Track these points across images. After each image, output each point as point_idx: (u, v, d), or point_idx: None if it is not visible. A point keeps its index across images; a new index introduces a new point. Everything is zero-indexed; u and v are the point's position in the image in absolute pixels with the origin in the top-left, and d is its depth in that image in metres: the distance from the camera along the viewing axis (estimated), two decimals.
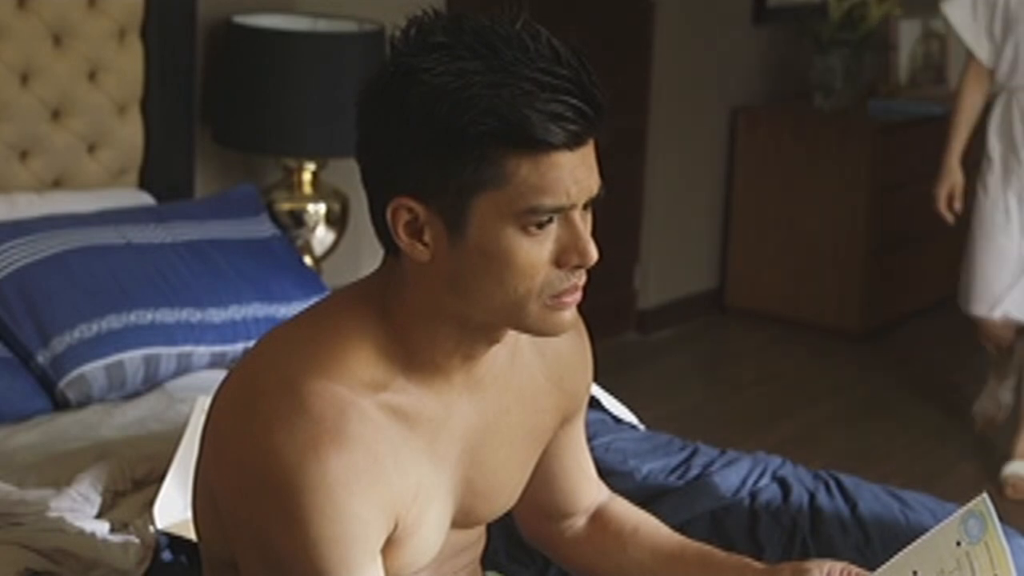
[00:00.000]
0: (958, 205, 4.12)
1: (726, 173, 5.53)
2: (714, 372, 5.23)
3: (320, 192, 3.60)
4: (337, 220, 3.60)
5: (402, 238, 1.43)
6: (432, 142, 1.38)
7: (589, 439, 1.85)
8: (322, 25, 3.60)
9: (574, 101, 1.38)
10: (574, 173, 1.40)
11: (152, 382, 2.78)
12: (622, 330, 5.24)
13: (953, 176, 4.09)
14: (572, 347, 1.69)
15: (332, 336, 1.47)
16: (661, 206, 5.27)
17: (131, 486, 2.26)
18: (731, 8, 5.38)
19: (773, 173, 5.43)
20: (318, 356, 1.45)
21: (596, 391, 2.85)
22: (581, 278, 1.45)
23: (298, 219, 3.58)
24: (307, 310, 1.56)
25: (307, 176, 3.59)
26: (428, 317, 1.47)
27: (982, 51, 3.99)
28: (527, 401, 1.63)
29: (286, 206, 3.58)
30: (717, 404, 4.76)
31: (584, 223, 1.44)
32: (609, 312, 5.10)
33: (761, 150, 5.45)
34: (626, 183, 5.13)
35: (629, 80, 5.04)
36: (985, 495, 1.54)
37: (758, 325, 5.46)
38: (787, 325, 5.41)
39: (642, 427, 2.85)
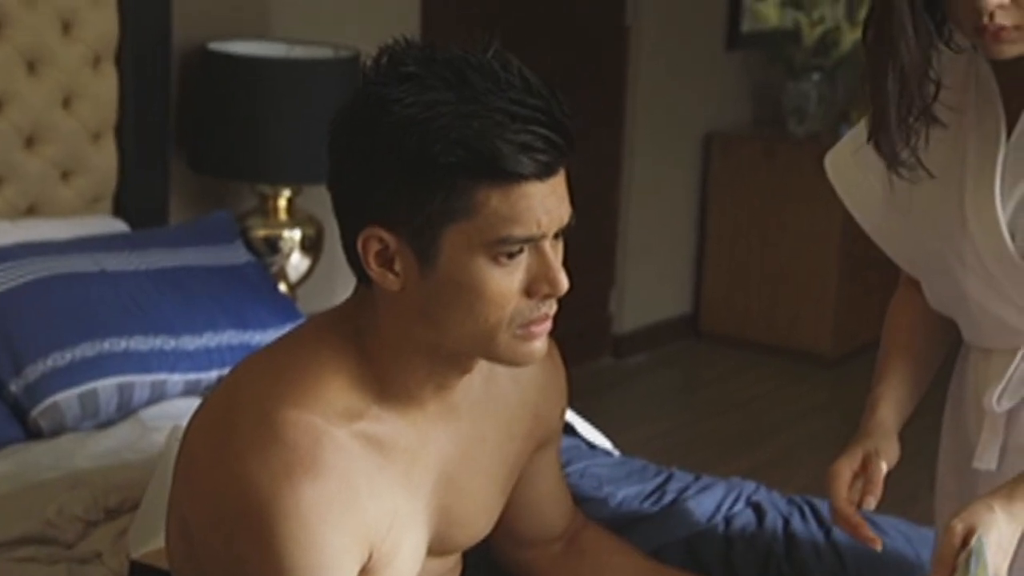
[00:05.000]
0: (869, 506, 1.78)
1: (700, 198, 5.55)
2: (689, 396, 5.24)
3: (295, 218, 3.60)
4: (312, 247, 3.60)
5: (373, 267, 1.44)
6: (403, 172, 1.39)
7: (564, 465, 1.86)
8: (297, 51, 3.61)
9: (544, 132, 1.39)
10: (544, 203, 1.41)
11: (126, 410, 2.76)
12: (597, 355, 5.24)
13: (872, 438, 1.85)
14: (546, 374, 1.70)
15: (306, 366, 1.48)
16: (636, 231, 5.28)
17: (104, 516, 2.25)
18: (705, 33, 5.40)
19: (747, 198, 5.45)
20: (292, 385, 1.45)
21: (571, 417, 2.85)
22: (552, 308, 1.45)
23: (273, 245, 3.58)
24: (280, 339, 1.56)
25: (282, 202, 3.59)
26: (400, 346, 1.47)
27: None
28: (502, 428, 1.64)
29: (261, 232, 3.57)
30: (692, 428, 4.77)
31: (555, 253, 1.44)
32: (584, 337, 5.11)
33: (735, 175, 5.47)
34: (601, 208, 5.14)
35: (603, 105, 5.06)
36: (980, 536, 1.56)
37: (732, 349, 5.48)
38: (761, 349, 5.43)
39: (617, 452, 2.86)
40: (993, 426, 1.84)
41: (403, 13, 4.19)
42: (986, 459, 1.85)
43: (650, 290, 5.41)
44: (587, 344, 5.16)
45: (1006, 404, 1.82)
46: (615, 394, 4.95)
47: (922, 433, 2.03)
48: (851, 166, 1.91)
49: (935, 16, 1.66)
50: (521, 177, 1.38)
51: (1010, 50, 1.61)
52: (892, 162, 1.74)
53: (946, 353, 1.98)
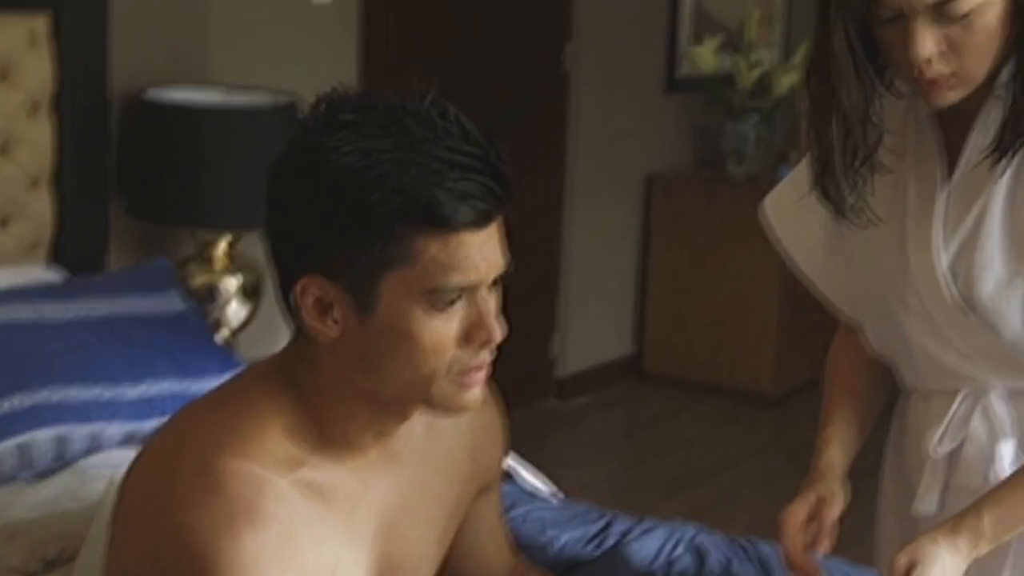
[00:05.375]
0: (821, 550, 1.81)
1: (642, 240, 5.58)
2: (632, 438, 5.25)
3: (235, 265, 3.58)
4: (252, 293, 3.59)
5: (310, 316, 1.43)
6: (340, 221, 1.39)
7: (507, 510, 1.86)
8: (236, 98, 3.60)
9: (482, 180, 1.39)
10: (482, 251, 1.41)
11: (64, 460, 2.74)
12: (541, 397, 5.25)
13: (823, 481, 1.87)
14: (486, 419, 1.70)
15: (246, 414, 1.47)
16: (578, 273, 5.30)
17: (42, 567, 2.22)
18: (643, 77, 5.44)
19: (688, 239, 5.48)
20: (233, 434, 1.45)
21: (513, 461, 2.85)
22: (489, 355, 1.46)
23: (213, 292, 3.56)
24: (219, 388, 1.56)
25: (222, 249, 3.57)
26: (339, 394, 1.47)
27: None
28: (444, 474, 1.63)
29: (200, 279, 3.55)
30: (636, 469, 4.78)
31: (492, 300, 1.45)
32: (528, 380, 5.11)
33: (675, 216, 5.51)
34: (543, 251, 5.16)
35: (544, 149, 5.08)
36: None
37: (675, 390, 5.50)
38: (704, 389, 5.45)
39: (560, 496, 2.85)
40: (934, 469, 1.85)
41: (342, 58, 4.20)
42: (927, 502, 1.86)
43: (593, 332, 5.43)
44: (531, 387, 5.16)
45: (947, 447, 1.84)
46: (559, 437, 4.95)
47: (862, 475, 2.05)
48: (792, 212, 1.92)
49: (876, 62, 1.67)
50: (459, 225, 1.39)
51: (949, 96, 1.63)
52: (839, 209, 1.75)
53: (888, 395, 1.99)
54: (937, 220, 1.73)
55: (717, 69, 5.51)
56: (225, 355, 3.12)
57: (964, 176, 1.72)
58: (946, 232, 1.73)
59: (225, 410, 1.49)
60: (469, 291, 1.42)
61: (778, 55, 5.83)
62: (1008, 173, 1.68)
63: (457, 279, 1.40)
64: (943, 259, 1.73)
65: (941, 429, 1.83)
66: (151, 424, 2.82)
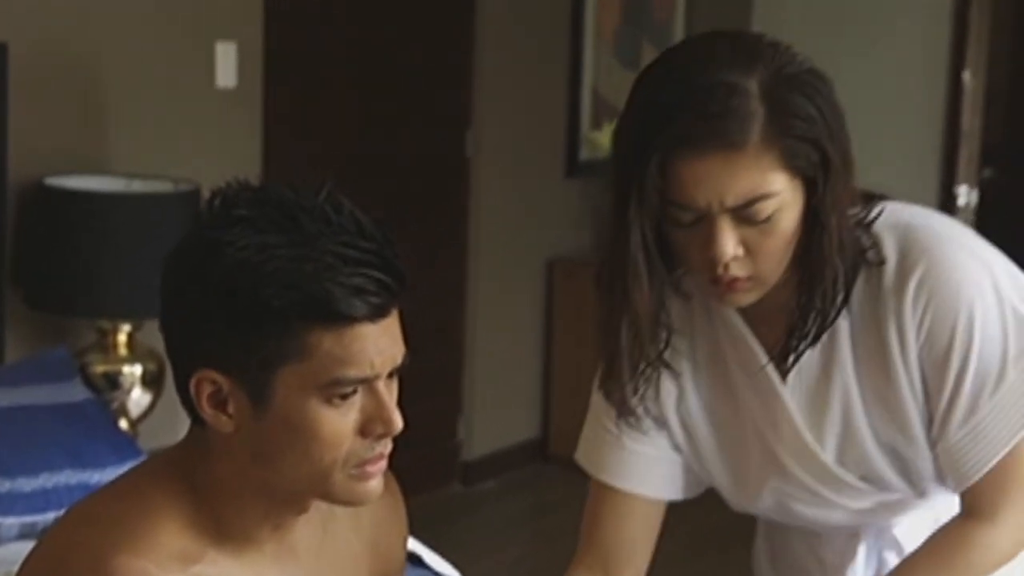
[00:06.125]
0: None
1: (545, 323, 5.60)
2: (538, 521, 5.24)
3: (135, 353, 3.55)
4: (153, 381, 3.56)
5: (206, 410, 1.43)
6: (235, 316, 1.38)
7: None
8: (136, 186, 3.59)
9: (376, 274, 1.39)
10: (377, 344, 1.41)
11: None
12: (446, 482, 5.23)
13: None
14: (385, 507, 1.69)
15: (140, 510, 1.46)
16: (482, 357, 5.31)
17: None
18: (544, 162, 5.50)
19: (590, 322, 5.50)
20: (125, 531, 1.43)
21: (419, 548, 2.84)
22: (387, 447, 1.46)
23: (113, 381, 3.53)
24: (116, 481, 1.54)
25: (122, 337, 3.55)
26: (234, 487, 1.46)
27: None
28: (342, 567, 1.62)
29: (101, 368, 3.52)
30: (542, 554, 4.77)
31: (389, 392, 1.45)
32: (433, 465, 5.10)
33: (578, 300, 5.54)
34: (448, 335, 5.16)
35: (447, 234, 5.11)
36: None
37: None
38: None
39: None
40: None
41: (245, 146, 4.20)
42: None
43: (498, 416, 5.43)
44: (436, 472, 5.14)
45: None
46: (465, 522, 4.93)
47: None
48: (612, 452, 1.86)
49: (668, 263, 1.66)
50: (354, 319, 1.39)
51: (745, 298, 1.63)
52: (621, 411, 1.76)
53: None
54: (802, 428, 1.74)
55: None
56: (126, 444, 3.09)
57: (798, 377, 1.73)
58: (811, 429, 1.75)
59: (120, 505, 1.47)
60: (366, 384, 1.43)
61: None
62: (847, 361, 1.70)
63: (353, 372, 1.40)
64: (829, 457, 1.75)
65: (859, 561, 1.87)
66: (49, 516, 2.79)
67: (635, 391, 1.74)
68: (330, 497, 1.46)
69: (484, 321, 5.30)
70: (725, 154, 1.54)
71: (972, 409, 1.67)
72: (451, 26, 5.01)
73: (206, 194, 1.46)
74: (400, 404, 1.45)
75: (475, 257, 5.23)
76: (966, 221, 6.29)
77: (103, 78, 3.74)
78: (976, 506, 1.72)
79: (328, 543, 1.59)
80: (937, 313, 1.65)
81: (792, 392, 1.74)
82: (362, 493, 1.46)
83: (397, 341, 1.45)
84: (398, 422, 1.44)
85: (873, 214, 1.67)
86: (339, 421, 1.41)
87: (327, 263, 1.38)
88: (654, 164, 1.56)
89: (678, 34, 5.82)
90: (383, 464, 1.46)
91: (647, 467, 1.83)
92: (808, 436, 1.74)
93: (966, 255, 1.68)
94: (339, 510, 1.60)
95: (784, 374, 1.73)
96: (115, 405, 3.49)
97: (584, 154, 5.62)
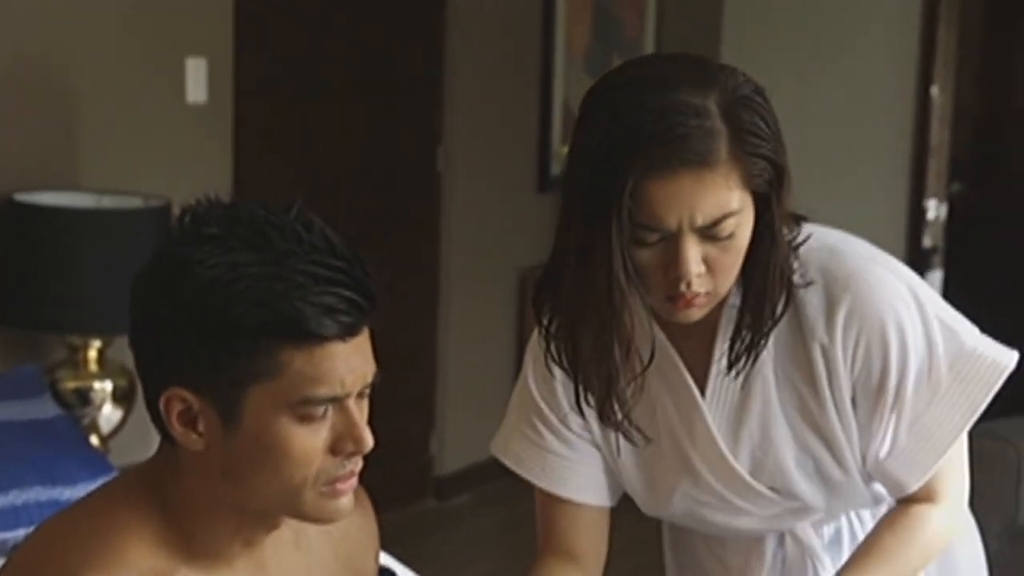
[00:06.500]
0: None
1: (517, 338, 5.60)
2: (512, 536, 5.23)
3: (106, 369, 3.55)
4: (124, 397, 3.55)
5: (176, 428, 1.43)
6: (205, 334, 1.39)
7: None
8: (106, 201, 3.59)
9: (347, 293, 1.40)
10: (348, 362, 1.41)
11: None
12: (420, 497, 5.23)
13: None
14: (357, 523, 1.69)
15: (110, 527, 1.45)
16: (455, 372, 5.31)
17: None
18: (515, 177, 5.51)
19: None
20: (95, 548, 1.43)
21: (393, 563, 2.84)
22: (357, 464, 1.46)
23: (84, 397, 3.52)
24: (85, 498, 1.54)
25: (93, 353, 3.54)
26: (204, 504, 1.46)
27: None
28: None
29: (71, 384, 3.51)
30: (516, 567, 4.75)
31: (360, 411, 1.45)
32: (406, 480, 5.09)
33: None
34: (420, 350, 5.17)
35: (418, 249, 5.11)
36: None
37: None
38: None
39: None
40: None
41: (215, 162, 4.20)
42: None
43: (471, 430, 5.42)
44: (409, 487, 5.14)
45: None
46: (438, 537, 4.92)
47: None
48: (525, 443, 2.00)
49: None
50: (324, 338, 1.39)
51: (698, 314, 1.66)
52: (617, 428, 1.78)
53: None
54: (718, 438, 1.78)
55: None
56: (97, 460, 3.08)
57: (715, 392, 1.76)
58: (727, 441, 1.78)
59: (90, 522, 1.47)
60: (336, 402, 1.43)
61: None
62: (769, 375, 1.74)
63: (323, 391, 1.41)
64: (743, 467, 1.79)
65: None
66: (20, 533, 2.78)
67: (622, 406, 1.76)
68: (301, 515, 1.47)
69: (456, 336, 5.30)
70: (697, 173, 1.57)
71: (914, 420, 1.73)
72: (422, 41, 5.02)
73: (177, 210, 1.46)
74: (372, 420, 1.46)
75: (447, 272, 5.23)
76: (935, 235, 6.33)
77: (73, 94, 3.73)
78: (917, 493, 1.77)
79: (299, 559, 1.60)
80: (871, 341, 1.71)
81: (711, 402, 1.77)
82: (333, 511, 1.46)
83: (368, 359, 1.45)
84: (368, 440, 1.44)
85: (801, 237, 1.71)
86: (309, 439, 1.42)
87: (298, 282, 1.38)
88: (628, 189, 1.58)
89: (648, 50, 5.84)
90: (354, 482, 1.47)
91: (574, 472, 1.93)
92: (723, 445, 1.78)
93: (889, 274, 1.73)
94: (311, 527, 1.61)
95: (702, 387, 1.77)
96: (86, 421, 3.48)
97: (556, 169, 5.63)
